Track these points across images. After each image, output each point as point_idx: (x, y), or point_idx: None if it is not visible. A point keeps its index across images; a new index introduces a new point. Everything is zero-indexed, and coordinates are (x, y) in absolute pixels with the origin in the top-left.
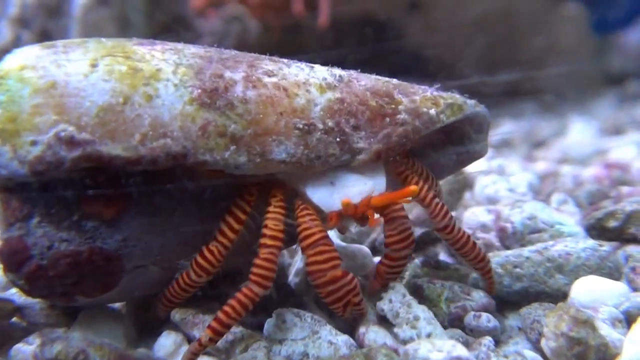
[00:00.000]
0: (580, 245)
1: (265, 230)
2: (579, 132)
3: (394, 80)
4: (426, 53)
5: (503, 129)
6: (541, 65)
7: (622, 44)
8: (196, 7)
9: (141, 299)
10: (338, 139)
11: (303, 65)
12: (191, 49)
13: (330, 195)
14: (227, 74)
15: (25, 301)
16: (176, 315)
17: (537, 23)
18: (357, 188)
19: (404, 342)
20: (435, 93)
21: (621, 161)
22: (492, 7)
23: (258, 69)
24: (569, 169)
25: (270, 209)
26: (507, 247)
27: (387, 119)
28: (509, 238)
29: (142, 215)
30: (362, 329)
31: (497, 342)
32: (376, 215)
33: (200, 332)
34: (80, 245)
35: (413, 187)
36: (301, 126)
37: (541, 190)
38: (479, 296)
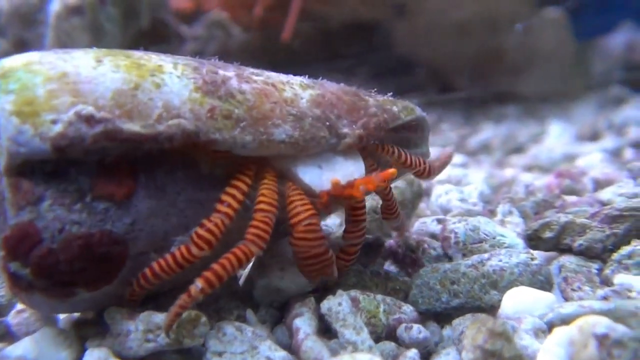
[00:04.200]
0: (514, 259)
1: (260, 198)
2: (555, 138)
3: (354, 87)
4: (412, 57)
5: (484, 134)
6: (523, 69)
7: (603, 49)
8: (178, 8)
9: None
10: (327, 124)
11: (280, 74)
12: (181, 57)
13: (320, 177)
14: (221, 72)
15: None
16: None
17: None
18: (342, 171)
19: (337, 351)
20: (390, 98)
21: (572, 170)
22: (475, 12)
23: (245, 70)
24: (528, 177)
25: (265, 181)
26: (450, 257)
27: (362, 111)
28: (452, 247)
29: (150, 199)
30: (300, 335)
31: (430, 353)
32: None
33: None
34: (92, 227)
35: (392, 170)
36: (294, 112)
37: (493, 199)
38: (409, 310)
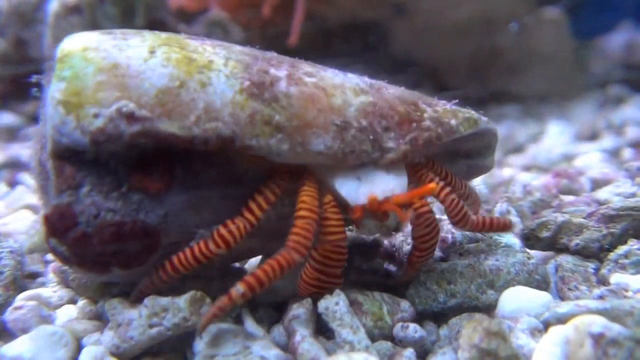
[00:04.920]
0: (510, 259)
1: (301, 204)
2: (554, 137)
3: (417, 92)
4: (412, 57)
5: None
6: (522, 69)
7: (603, 48)
8: (177, 5)
9: None
10: (371, 137)
11: (337, 71)
12: (238, 47)
13: (357, 190)
14: (272, 71)
15: None
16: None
17: (519, 28)
18: (381, 185)
19: (334, 351)
20: (453, 107)
21: (569, 170)
22: (474, 12)
23: (299, 69)
24: (526, 177)
25: (305, 187)
26: (447, 256)
27: (414, 124)
28: (449, 248)
29: (184, 193)
30: (297, 337)
31: (427, 352)
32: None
33: None
34: (125, 216)
35: (432, 185)
36: (338, 122)
37: (491, 199)
38: (407, 306)
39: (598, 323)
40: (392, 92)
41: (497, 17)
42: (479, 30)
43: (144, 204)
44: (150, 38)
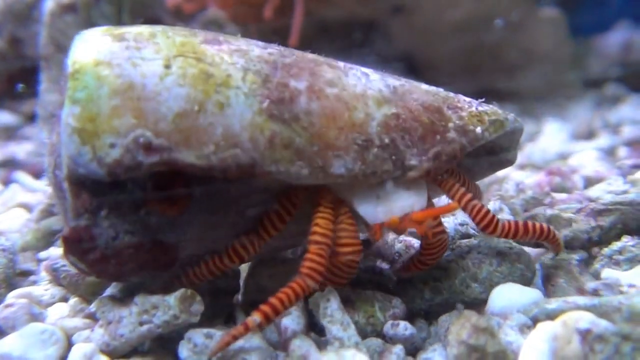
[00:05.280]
0: (492, 250)
1: (315, 228)
2: (550, 136)
3: (442, 92)
4: (410, 56)
5: None
6: (520, 68)
7: (601, 47)
8: (173, 4)
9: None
10: (393, 157)
11: (359, 73)
12: (255, 51)
13: (375, 208)
14: (292, 83)
15: None
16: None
17: (517, 27)
18: (400, 203)
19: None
20: (480, 108)
21: (563, 168)
22: (472, 11)
23: (320, 77)
24: (520, 175)
25: (321, 209)
26: None
27: (438, 136)
28: None
29: (202, 213)
30: (289, 333)
31: (418, 349)
32: None
33: None
34: (144, 237)
35: (454, 204)
36: (360, 142)
37: (484, 197)
38: (398, 302)
39: (585, 319)
40: (417, 97)
41: (495, 16)
42: (477, 29)
43: (162, 225)
44: (165, 46)
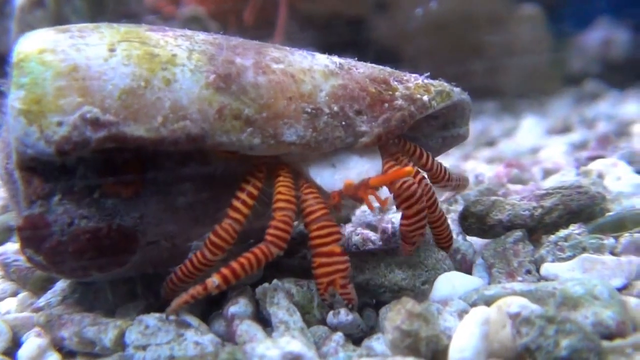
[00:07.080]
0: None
1: (278, 196)
2: (526, 132)
3: (388, 68)
4: (391, 51)
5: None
6: (500, 65)
7: (580, 44)
8: (151, 3)
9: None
10: (343, 123)
11: (305, 52)
12: (200, 36)
13: (332, 176)
14: (238, 60)
15: None
16: (41, 318)
17: (496, 23)
18: (356, 169)
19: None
20: (425, 80)
21: (521, 160)
22: (452, 7)
23: (266, 55)
24: (484, 168)
25: (280, 178)
26: (388, 247)
27: (386, 104)
28: (389, 239)
29: (158, 194)
30: (236, 320)
31: (362, 337)
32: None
33: (67, 332)
34: (100, 222)
35: (408, 168)
36: (309, 110)
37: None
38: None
39: (516, 303)
40: (362, 71)
41: (476, 14)
42: (458, 26)
43: (118, 208)
44: (108, 34)
